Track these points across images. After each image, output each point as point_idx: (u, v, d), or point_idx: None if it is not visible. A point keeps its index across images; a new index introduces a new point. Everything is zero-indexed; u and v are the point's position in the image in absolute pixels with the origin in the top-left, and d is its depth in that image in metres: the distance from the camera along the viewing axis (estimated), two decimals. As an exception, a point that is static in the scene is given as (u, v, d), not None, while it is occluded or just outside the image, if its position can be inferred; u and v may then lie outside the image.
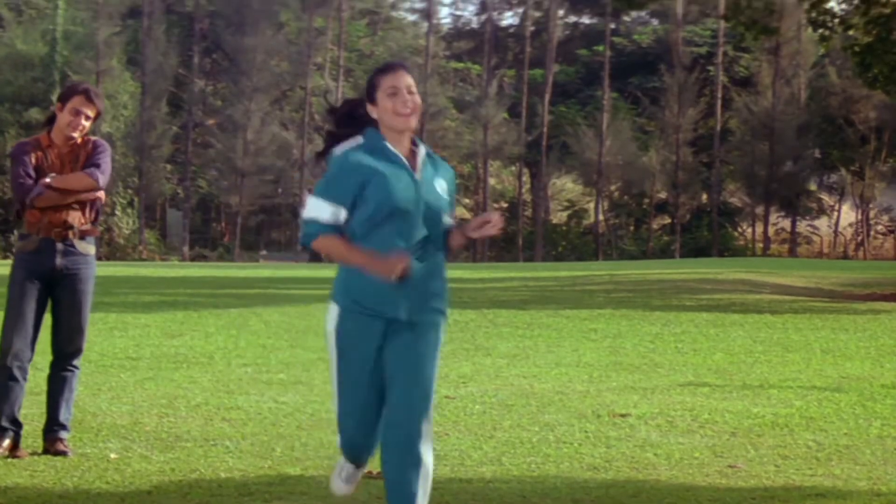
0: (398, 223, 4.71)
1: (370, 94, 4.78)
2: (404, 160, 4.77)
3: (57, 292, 6.94)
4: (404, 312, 4.84)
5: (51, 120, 7.06)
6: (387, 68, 4.81)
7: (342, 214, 4.70)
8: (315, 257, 58.47)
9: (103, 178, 7.01)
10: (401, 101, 4.72)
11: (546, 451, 7.36)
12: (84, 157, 7.00)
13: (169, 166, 60.02)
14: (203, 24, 61.63)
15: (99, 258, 7.24)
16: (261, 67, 58.41)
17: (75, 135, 6.93)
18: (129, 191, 56.84)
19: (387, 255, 4.65)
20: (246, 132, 57.55)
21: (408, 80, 4.76)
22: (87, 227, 7.00)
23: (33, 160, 6.91)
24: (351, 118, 4.86)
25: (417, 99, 4.76)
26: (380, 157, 4.73)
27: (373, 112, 4.79)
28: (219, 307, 18.06)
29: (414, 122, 4.68)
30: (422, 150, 4.82)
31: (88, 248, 7.00)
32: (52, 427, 7.00)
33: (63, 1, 57.46)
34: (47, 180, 6.84)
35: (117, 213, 55.58)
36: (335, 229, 4.72)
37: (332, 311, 4.87)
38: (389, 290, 4.74)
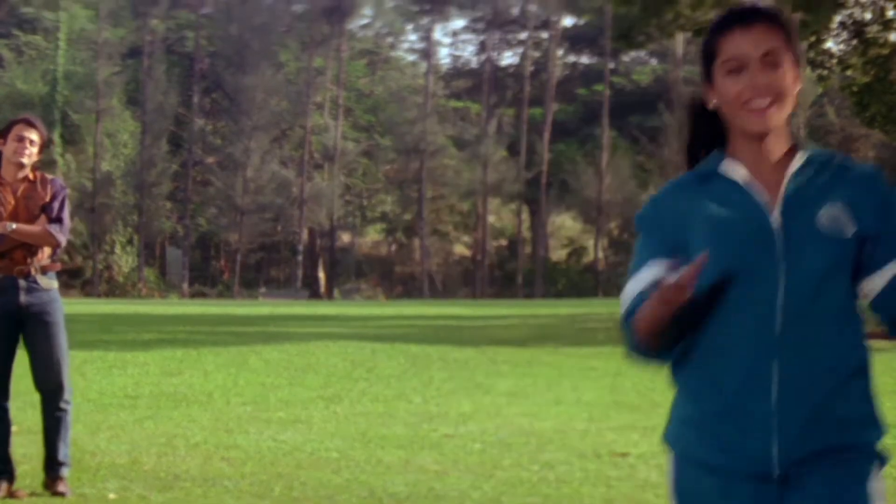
0: (741, 296, 2.54)
1: (705, 67, 2.65)
2: (753, 190, 2.58)
3: (27, 331, 6.83)
4: (778, 458, 2.53)
5: None
6: (731, 20, 2.58)
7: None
8: (315, 294, 58.51)
9: (64, 236, 6.90)
10: (749, 83, 2.53)
11: (546, 490, 7.32)
12: (40, 197, 6.84)
13: (169, 204, 60.11)
14: (203, 64, 61.89)
15: (98, 295, 7.17)
16: (261, 106, 58.63)
17: (24, 160, 6.78)
18: (129, 228, 56.89)
19: (730, 347, 2.55)
20: (246, 170, 57.67)
21: (768, 42, 2.54)
22: (48, 262, 6.90)
23: None
24: (706, 119, 2.73)
25: (782, 77, 2.54)
26: (708, 191, 2.63)
27: (711, 99, 2.66)
28: (218, 345, 18.03)
29: (777, 117, 2.54)
30: (795, 164, 2.60)
31: (51, 283, 6.89)
32: (52, 466, 6.96)
33: (64, 41, 57.75)
34: (10, 227, 6.74)
35: (117, 250, 55.60)
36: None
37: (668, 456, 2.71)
38: (745, 417, 2.53)
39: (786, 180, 2.57)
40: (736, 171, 2.60)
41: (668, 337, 2.58)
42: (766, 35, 2.54)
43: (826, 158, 2.62)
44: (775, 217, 2.54)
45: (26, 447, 7.44)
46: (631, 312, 2.67)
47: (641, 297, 2.63)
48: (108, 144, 57.14)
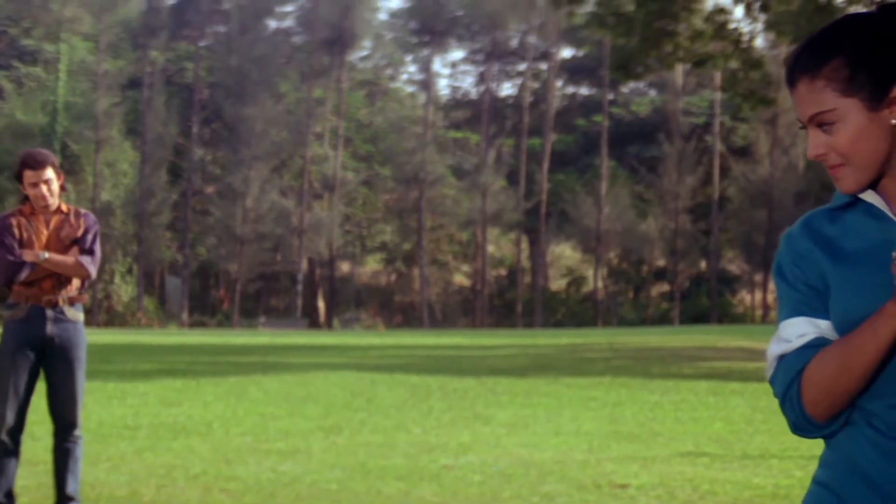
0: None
1: None
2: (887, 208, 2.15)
3: (48, 362, 6.82)
4: None
5: (27, 197, 6.94)
6: (787, 72, 2.20)
7: (822, 326, 2.14)
8: (315, 324, 58.49)
9: (95, 268, 6.92)
10: (811, 145, 2.16)
11: (546, 521, 7.30)
12: (73, 229, 6.87)
13: (168, 233, 60.19)
14: (203, 95, 62.09)
15: (97, 325, 7.17)
16: (260, 136, 58.80)
17: (49, 203, 6.82)
18: (128, 258, 56.93)
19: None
20: (245, 200, 57.77)
21: (811, 104, 2.13)
22: (76, 293, 6.94)
23: (16, 231, 6.80)
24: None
25: (837, 137, 2.11)
26: (846, 229, 2.21)
27: None
28: (217, 375, 18.01)
29: (853, 179, 2.14)
30: None
31: (77, 314, 6.91)
32: (61, 499, 6.93)
33: (64, 73, 57.98)
34: (43, 256, 6.77)
35: (116, 280, 55.61)
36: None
37: None
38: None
39: None
40: (874, 198, 2.14)
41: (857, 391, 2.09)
42: (810, 94, 2.10)
43: None
44: None
45: (26, 479, 7.43)
46: (794, 375, 2.11)
47: (801, 357, 2.12)
48: (108, 174, 57.27)
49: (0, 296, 6.96)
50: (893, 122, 2.05)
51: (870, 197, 2.16)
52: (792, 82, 2.14)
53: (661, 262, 61.77)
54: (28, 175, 6.81)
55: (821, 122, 2.09)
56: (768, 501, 8.08)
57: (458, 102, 69.50)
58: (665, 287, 62.46)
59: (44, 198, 6.79)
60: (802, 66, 2.10)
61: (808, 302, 2.18)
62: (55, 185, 6.83)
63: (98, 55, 58.44)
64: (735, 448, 10.87)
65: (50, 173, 6.83)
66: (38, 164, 6.85)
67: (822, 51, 2.08)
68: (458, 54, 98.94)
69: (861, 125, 2.05)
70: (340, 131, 62.31)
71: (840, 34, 2.08)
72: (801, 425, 2.12)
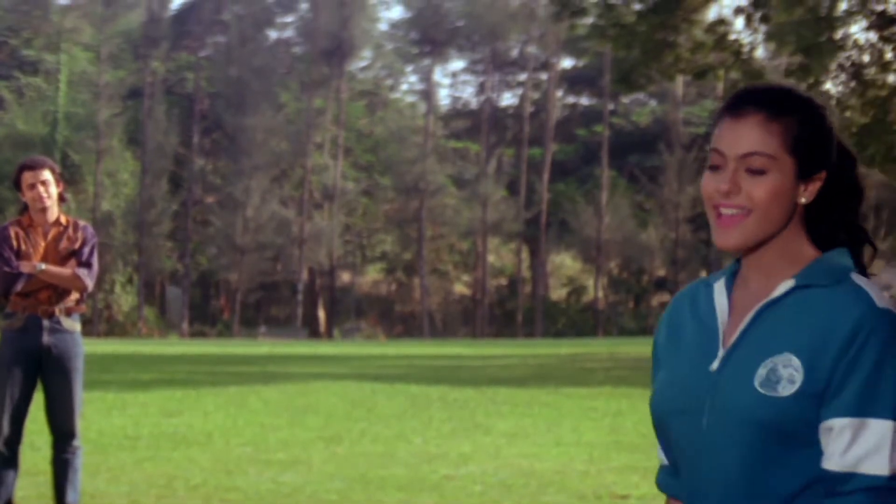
0: (675, 445, 2.20)
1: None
2: (720, 323, 2.14)
3: (46, 372, 6.81)
4: None
5: (25, 206, 6.95)
6: (729, 103, 2.11)
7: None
8: (315, 334, 58.47)
9: (92, 281, 6.92)
10: (718, 187, 2.07)
11: (546, 532, 7.29)
12: (70, 242, 6.87)
13: (169, 243, 60.21)
14: (203, 105, 62.16)
15: (98, 335, 7.15)
16: (261, 146, 58.84)
17: (47, 204, 6.80)
18: (129, 268, 56.94)
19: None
20: (245, 210, 57.80)
21: (755, 142, 2.04)
22: (73, 304, 6.92)
23: (14, 242, 6.80)
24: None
25: (761, 188, 2.04)
26: (696, 308, 2.24)
27: None
28: (217, 385, 18.00)
29: (742, 236, 2.05)
30: (774, 293, 2.08)
31: (74, 325, 6.90)
32: (60, 510, 6.93)
33: (64, 83, 58.05)
34: (39, 267, 6.76)
35: (116, 290, 55.61)
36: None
37: None
38: None
39: (749, 316, 2.07)
40: (720, 290, 2.15)
41: None
42: (758, 132, 2.02)
43: (813, 290, 2.05)
44: (721, 352, 2.08)
45: (25, 489, 7.42)
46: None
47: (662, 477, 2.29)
48: (109, 184, 57.32)
49: (-3, 306, 6.96)
50: (802, 200, 2.06)
51: (721, 287, 2.16)
52: (739, 113, 2.05)
53: (661, 272, 61.78)
54: (26, 176, 6.81)
55: (754, 165, 2.02)
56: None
57: (458, 112, 69.55)
58: (665, 296, 62.45)
59: (41, 199, 6.77)
60: (762, 103, 2.05)
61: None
62: (53, 189, 6.83)
63: (99, 65, 58.50)
64: (736, 458, 10.83)
65: (48, 175, 6.82)
66: (37, 165, 6.86)
67: (784, 102, 2.05)
68: (458, 64, 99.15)
69: (786, 186, 2.03)
70: (341, 141, 62.36)
71: (800, 100, 2.07)
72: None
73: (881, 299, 2.02)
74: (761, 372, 2.01)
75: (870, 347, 1.95)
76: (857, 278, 2.07)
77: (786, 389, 1.98)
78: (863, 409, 1.94)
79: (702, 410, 2.07)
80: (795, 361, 1.99)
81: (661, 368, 2.25)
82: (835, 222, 2.11)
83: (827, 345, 1.98)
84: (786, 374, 1.99)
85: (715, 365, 2.08)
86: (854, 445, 1.94)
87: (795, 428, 1.98)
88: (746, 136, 2.02)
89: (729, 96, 2.09)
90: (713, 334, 2.12)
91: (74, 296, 6.87)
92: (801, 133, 2.03)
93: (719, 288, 2.16)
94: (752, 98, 2.05)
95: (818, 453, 1.98)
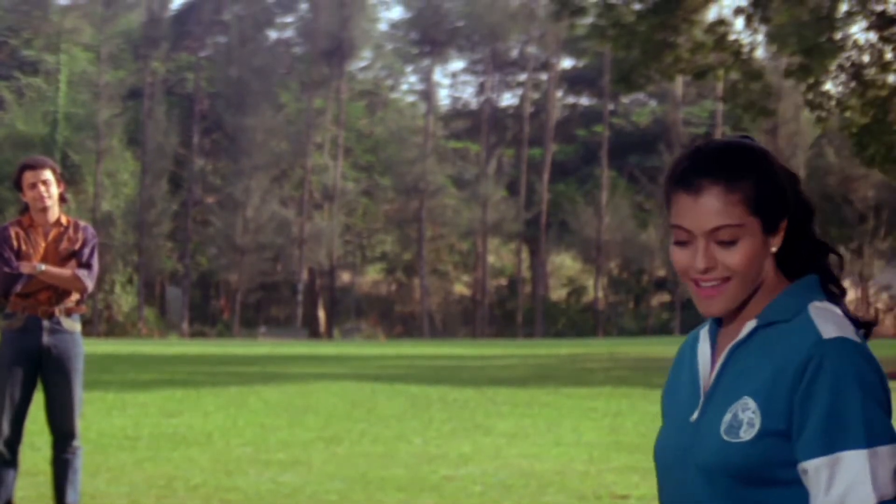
0: (667, 497, 2.18)
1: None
2: (700, 366, 2.16)
3: (46, 372, 6.80)
4: None
5: (26, 206, 6.95)
6: (679, 174, 2.09)
7: None
8: (315, 334, 58.47)
9: (92, 282, 6.91)
10: (693, 263, 2.07)
11: (546, 532, 7.29)
12: (71, 242, 6.86)
13: (169, 243, 60.20)
14: (203, 105, 62.16)
15: (98, 335, 7.14)
16: (261, 146, 58.82)
17: (47, 203, 6.79)
18: (129, 268, 56.94)
19: None
20: (245, 210, 57.79)
21: (718, 216, 2.03)
22: (73, 304, 6.91)
23: (14, 242, 6.80)
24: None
25: (736, 255, 2.05)
26: (689, 358, 2.24)
27: None
28: (218, 385, 18.00)
29: (727, 300, 2.07)
30: (740, 336, 2.09)
31: (74, 325, 6.89)
32: (60, 510, 6.93)
33: (64, 83, 58.05)
34: (39, 268, 6.76)
35: (116, 290, 55.61)
36: None
37: None
38: None
39: (721, 357, 2.08)
40: (704, 339, 2.17)
41: None
42: (719, 205, 2.00)
43: (774, 327, 2.04)
44: (701, 400, 2.09)
45: (25, 490, 7.42)
46: None
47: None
48: (109, 184, 57.31)
49: (-3, 306, 6.95)
50: (773, 249, 2.05)
51: (705, 337, 2.16)
52: (695, 188, 2.01)
53: (661, 272, 61.76)
54: (27, 176, 6.80)
55: (723, 238, 2.01)
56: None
57: (458, 113, 69.54)
58: (665, 297, 62.46)
59: (42, 199, 6.77)
60: (716, 174, 2.00)
61: None
62: (54, 189, 6.82)
63: (99, 66, 58.50)
64: (736, 459, 10.83)
65: (49, 175, 6.81)
66: (38, 165, 6.86)
67: (737, 166, 2.02)
68: (458, 65, 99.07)
69: (758, 246, 2.03)
70: (340, 141, 62.36)
71: (752, 158, 2.04)
72: None
73: (832, 329, 1.99)
74: (727, 418, 2.01)
75: (821, 381, 1.94)
76: (813, 310, 2.04)
77: (747, 433, 1.97)
78: (831, 444, 1.91)
79: (684, 462, 2.07)
80: (752, 404, 1.99)
81: (662, 420, 2.25)
82: (801, 249, 2.11)
83: (780, 384, 1.97)
84: (745, 417, 1.99)
85: (695, 415, 2.08)
86: (834, 483, 1.91)
87: (763, 470, 1.97)
88: (709, 212, 2.00)
89: (677, 166, 2.06)
90: (696, 384, 2.12)
91: (74, 296, 6.86)
92: (761, 192, 2.02)
93: (704, 335, 2.17)
94: (704, 168, 2.02)
95: (797, 493, 1.96)
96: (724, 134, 58.95)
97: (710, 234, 2.01)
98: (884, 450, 1.91)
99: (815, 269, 2.12)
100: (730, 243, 2.01)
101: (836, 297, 2.09)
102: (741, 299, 2.06)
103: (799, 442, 1.94)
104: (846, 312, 2.06)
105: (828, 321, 2.01)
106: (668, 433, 2.16)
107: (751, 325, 2.06)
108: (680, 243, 2.05)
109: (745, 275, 2.03)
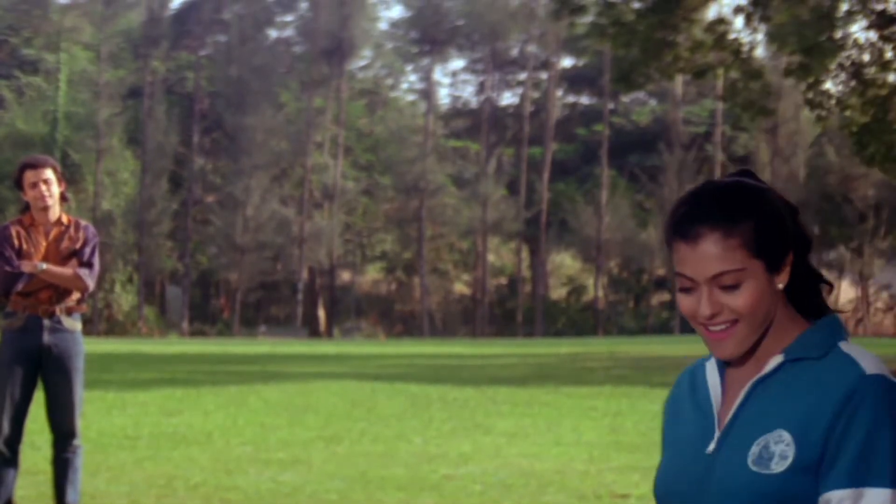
0: None
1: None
2: (713, 401, 2.15)
3: (46, 371, 6.80)
4: None
5: (27, 206, 6.94)
6: (676, 223, 2.09)
7: None
8: (315, 333, 58.47)
9: (93, 281, 6.91)
10: (699, 308, 2.08)
11: (546, 532, 7.29)
12: (72, 242, 6.86)
13: (169, 243, 60.19)
14: (203, 104, 62.14)
15: (98, 334, 7.13)
16: (261, 145, 58.81)
17: (48, 203, 6.79)
18: (129, 267, 56.93)
19: None
20: (245, 209, 57.78)
21: (717, 262, 2.04)
22: (74, 304, 6.91)
23: (15, 241, 6.80)
24: None
25: (740, 298, 2.04)
26: (692, 389, 2.25)
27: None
28: (218, 384, 18.00)
29: (739, 343, 2.07)
30: (764, 370, 2.10)
31: (75, 324, 6.89)
32: (60, 509, 6.93)
33: (64, 82, 58.03)
34: (40, 267, 6.75)
35: (116, 289, 55.60)
36: None
37: None
38: None
39: (741, 395, 2.08)
40: (712, 370, 2.17)
41: None
42: (719, 251, 2.00)
43: (803, 363, 2.06)
44: (717, 434, 2.09)
45: (25, 489, 7.42)
46: None
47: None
48: (109, 183, 57.30)
49: (-2, 305, 6.95)
50: (780, 286, 2.05)
51: (713, 368, 2.16)
52: (693, 236, 2.01)
53: (661, 271, 61.75)
54: (28, 175, 6.80)
55: (726, 283, 2.01)
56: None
57: (458, 112, 69.53)
58: (665, 296, 62.45)
59: (43, 198, 6.77)
60: (713, 221, 2.00)
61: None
62: (55, 188, 6.82)
63: (99, 65, 58.49)
64: (736, 458, 10.82)
65: (50, 174, 6.81)
66: (39, 164, 6.86)
67: (734, 210, 2.02)
68: (458, 63, 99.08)
69: (763, 287, 2.02)
70: (340, 140, 62.34)
71: (749, 199, 2.04)
72: None
73: (872, 366, 2.01)
74: (754, 450, 2.02)
75: (861, 416, 1.95)
76: (847, 347, 2.06)
77: (778, 466, 1.98)
78: (859, 479, 1.93)
79: (700, 494, 2.07)
80: (787, 437, 2.00)
81: (664, 451, 2.24)
82: (805, 281, 2.11)
83: (818, 417, 1.98)
84: (778, 450, 2.00)
85: (711, 447, 2.08)
86: None
87: (790, 502, 1.98)
88: (709, 259, 2.01)
89: (674, 213, 2.06)
90: (709, 416, 2.12)
91: (75, 295, 6.86)
92: (760, 234, 2.02)
93: (711, 367, 2.17)
94: (701, 215, 2.01)
95: None
96: (724, 133, 58.75)
97: (712, 281, 2.02)
98: None
99: (817, 300, 2.13)
100: (733, 287, 2.01)
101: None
102: (753, 340, 2.06)
103: (828, 472, 1.96)
104: None
105: (866, 358, 2.03)
106: (677, 465, 2.15)
107: (777, 360, 2.07)
108: (684, 290, 2.06)
109: (753, 316, 2.03)
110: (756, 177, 2.12)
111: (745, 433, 2.04)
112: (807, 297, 2.12)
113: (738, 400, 2.08)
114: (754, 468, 2.00)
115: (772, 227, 2.03)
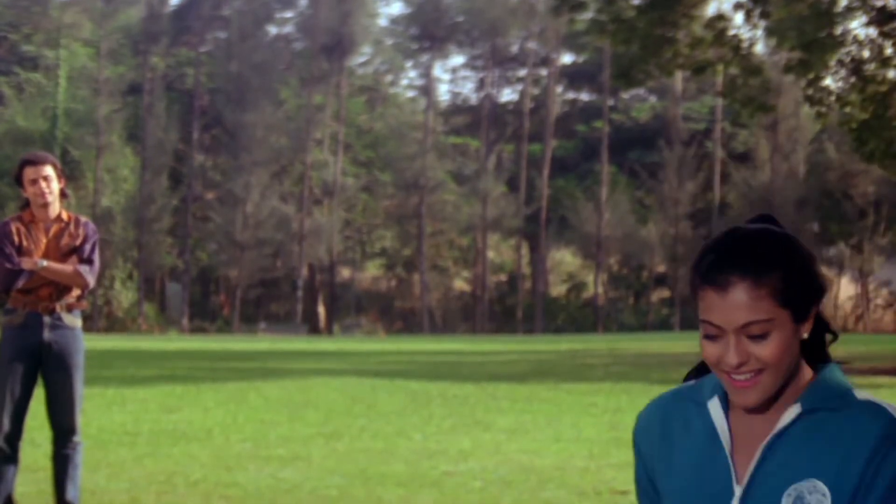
0: None
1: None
2: (726, 449, 2.13)
3: (46, 368, 6.79)
4: None
5: (27, 202, 6.93)
6: (705, 271, 2.08)
7: None
8: (315, 330, 58.49)
9: (93, 277, 6.90)
10: (725, 357, 2.08)
11: (546, 528, 7.29)
12: (72, 239, 6.85)
13: (168, 239, 60.18)
14: (203, 101, 62.12)
15: (98, 331, 7.12)
16: (260, 142, 58.80)
17: (48, 199, 6.79)
18: (129, 264, 56.92)
19: None
20: (245, 206, 57.78)
21: (747, 312, 2.03)
22: (74, 300, 6.91)
23: (15, 238, 6.79)
24: None
25: (767, 348, 2.04)
26: (688, 429, 2.21)
27: None
28: (217, 381, 18.00)
29: (762, 392, 2.06)
30: (782, 421, 2.10)
31: (75, 321, 6.88)
32: (60, 505, 6.93)
33: (64, 79, 58.01)
34: (41, 264, 6.75)
35: (116, 286, 55.60)
36: None
37: None
38: None
39: (762, 445, 2.08)
40: (719, 416, 2.15)
41: None
42: (748, 300, 1.99)
43: (823, 411, 2.07)
44: (738, 490, 2.08)
45: (25, 485, 7.41)
46: None
47: None
48: (108, 180, 57.29)
49: (-2, 302, 6.96)
50: (805, 336, 2.06)
51: (719, 411, 2.15)
52: (723, 285, 2.00)
53: (661, 268, 61.78)
54: (28, 171, 6.80)
55: (754, 332, 2.00)
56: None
57: (458, 108, 69.52)
58: (665, 293, 62.47)
59: (43, 195, 6.76)
60: (743, 269, 1.99)
61: (645, 485, 2.26)
62: (55, 185, 6.81)
63: (98, 61, 58.47)
64: (735, 454, 10.82)
65: (50, 170, 6.81)
66: (39, 160, 6.85)
67: (764, 260, 2.01)
68: (458, 60, 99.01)
69: (789, 337, 2.03)
70: (340, 137, 62.33)
71: (779, 250, 2.03)
72: None
73: None
74: (786, 502, 2.02)
75: (891, 458, 1.98)
76: (861, 394, 2.08)
77: None
78: None
79: None
80: (822, 486, 2.01)
81: (660, 486, 2.21)
82: (817, 331, 2.13)
83: (852, 466, 2.00)
84: (814, 500, 2.00)
85: (736, 499, 2.07)
86: None
87: None
88: (738, 309, 2.00)
89: (702, 260, 2.05)
90: (723, 469, 2.11)
91: (75, 292, 6.86)
92: (789, 285, 2.01)
93: (716, 412, 2.15)
94: (731, 264, 2.01)
95: None
96: (724, 130, 58.80)
97: (740, 330, 2.01)
98: None
99: (824, 349, 2.16)
100: (761, 337, 2.01)
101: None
102: (777, 388, 2.06)
103: None
104: None
105: (887, 404, 2.06)
106: (703, 491, 2.12)
107: (794, 410, 2.07)
108: (710, 337, 2.05)
109: (778, 366, 2.03)
110: (778, 223, 2.13)
111: (771, 487, 2.05)
112: (815, 346, 2.13)
113: (758, 455, 2.08)
114: None
115: (800, 277, 2.03)
